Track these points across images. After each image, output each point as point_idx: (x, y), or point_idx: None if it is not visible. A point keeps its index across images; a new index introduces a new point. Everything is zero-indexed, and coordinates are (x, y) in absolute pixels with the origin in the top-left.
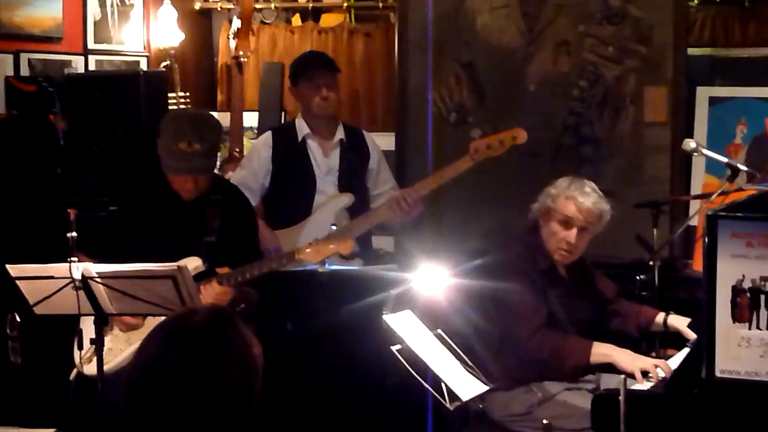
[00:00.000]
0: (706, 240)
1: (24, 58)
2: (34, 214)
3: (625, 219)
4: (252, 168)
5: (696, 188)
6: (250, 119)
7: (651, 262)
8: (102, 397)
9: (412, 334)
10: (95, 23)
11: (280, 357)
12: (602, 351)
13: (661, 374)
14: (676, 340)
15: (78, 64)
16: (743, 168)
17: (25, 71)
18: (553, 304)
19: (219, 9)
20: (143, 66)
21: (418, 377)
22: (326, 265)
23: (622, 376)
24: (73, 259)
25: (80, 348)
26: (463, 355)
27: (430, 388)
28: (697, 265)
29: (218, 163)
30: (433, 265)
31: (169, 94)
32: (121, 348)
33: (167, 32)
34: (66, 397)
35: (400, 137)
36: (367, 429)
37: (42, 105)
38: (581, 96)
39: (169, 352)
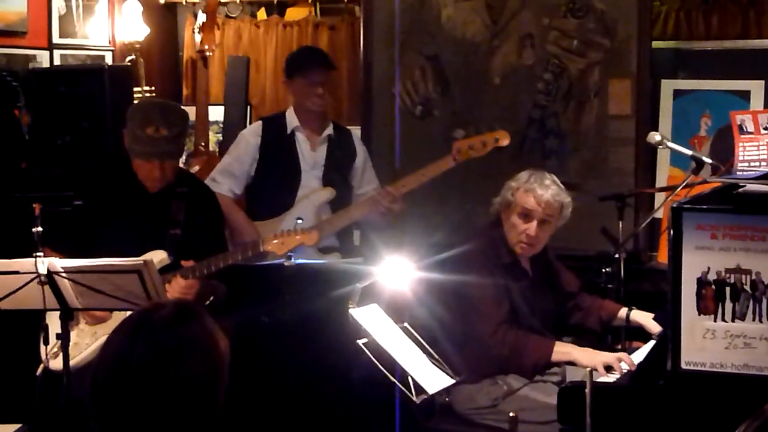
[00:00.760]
0: (671, 232)
1: None
2: None
3: (590, 212)
4: (239, 155)
5: (661, 181)
6: (216, 113)
7: (616, 255)
8: (68, 391)
9: (379, 328)
10: (60, 17)
11: (247, 351)
12: (563, 350)
13: (625, 367)
14: (642, 334)
15: (43, 58)
16: (708, 160)
17: None
18: (516, 298)
19: (184, 3)
20: (108, 60)
21: (384, 370)
22: (292, 259)
23: (588, 368)
24: (38, 253)
25: (46, 343)
26: (429, 348)
27: (396, 382)
28: (662, 257)
29: (184, 157)
30: (399, 259)
31: (135, 89)
32: (87, 342)
33: (132, 26)
34: (32, 393)
35: (365, 130)
36: (334, 422)
37: (6, 99)
38: (546, 89)
39: (134, 347)
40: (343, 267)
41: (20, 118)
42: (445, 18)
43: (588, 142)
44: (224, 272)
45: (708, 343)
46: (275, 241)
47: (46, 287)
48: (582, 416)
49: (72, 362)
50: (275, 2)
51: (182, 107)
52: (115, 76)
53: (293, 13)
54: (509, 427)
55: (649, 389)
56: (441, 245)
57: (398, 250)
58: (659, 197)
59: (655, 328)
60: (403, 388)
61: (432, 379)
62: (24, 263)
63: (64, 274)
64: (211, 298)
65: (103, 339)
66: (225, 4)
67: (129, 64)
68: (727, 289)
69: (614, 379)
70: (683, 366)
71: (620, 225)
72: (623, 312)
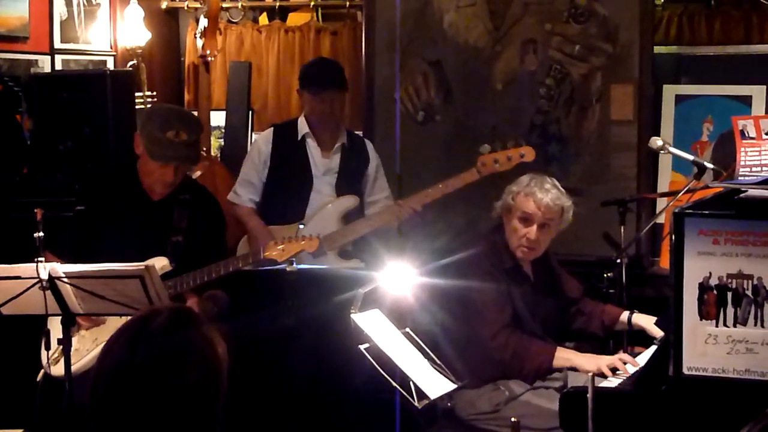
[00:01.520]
0: (673, 238)
1: None
2: (0, 214)
3: (592, 217)
4: (253, 163)
5: (663, 186)
6: (218, 118)
7: (618, 260)
8: (69, 397)
9: (380, 333)
10: (62, 23)
11: (248, 356)
12: (565, 356)
13: (631, 369)
14: (643, 338)
15: (44, 63)
16: (709, 166)
17: None
18: (518, 303)
19: (186, 8)
20: (110, 65)
21: (386, 376)
22: (294, 264)
23: (590, 373)
24: (40, 259)
25: (47, 348)
26: (430, 354)
27: (398, 387)
28: (664, 262)
29: None
30: (401, 264)
31: (136, 94)
32: (87, 348)
33: (134, 32)
34: (33, 398)
35: (367, 136)
36: (336, 427)
37: (8, 104)
38: (548, 94)
39: (133, 354)
40: (345, 272)
41: (22, 123)
42: (447, 23)
43: (590, 148)
44: (226, 278)
45: (710, 349)
46: (277, 249)
47: (48, 292)
48: (584, 422)
49: (73, 368)
50: (277, 7)
51: None
52: (116, 81)
53: (295, 19)
54: None
55: (651, 394)
56: (443, 251)
57: (400, 256)
58: (661, 202)
59: (656, 331)
60: (404, 393)
61: (434, 384)
62: (26, 268)
63: (65, 279)
64: (215, 309)
65: (103, 345)
66: (227, 9)
67: (131, 69)
68: (729, 294)
69: (616, 384)
70: (685, 371)
71: (622, 230)
72: (625, 316)
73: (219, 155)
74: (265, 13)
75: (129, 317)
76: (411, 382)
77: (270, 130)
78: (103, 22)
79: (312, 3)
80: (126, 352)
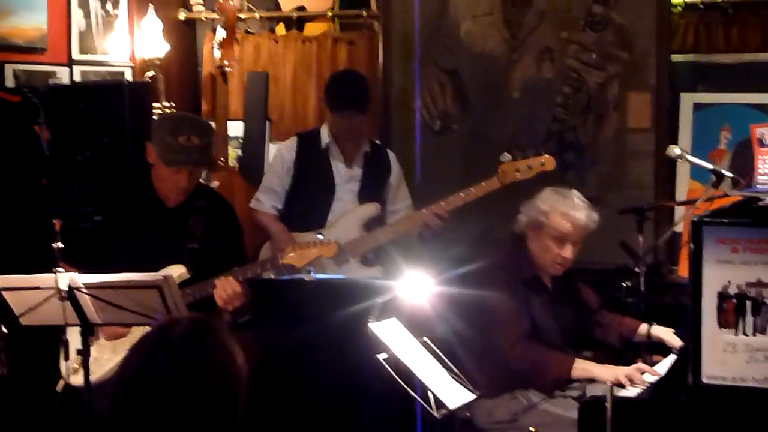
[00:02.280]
0: (692, 246)
1: (8, 68)
2: (19, 224)
3: (610, 225)
4: (276, 171)
5: (681, 194)
6: (235, 129)
7: (636, 269)
8: (88, 407)
9: (398, 342)
10: (80, 34)
11: (267, 365)
12: (583, 367)
13: (649, 379)
14: (662, 347)
15: (63, 74)
16: (728, 174)
17: (9, 82)
18: (537, 314)
19: (203, 19)
20: (128, 76)
21: (404, 385)
22: (312, 274)
23: (609, 382)
24: (58, 269)
25: (66, 359)
26: (449, 363)
27: (416, 396)
28: (683, 271)
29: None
30: (418, 273)
31: (154, 104)
32: (107, 358)
33: (152, 42)
34: (52, 408)
35: (384, 145)
36: None
37: (27, 115)
38: (565, 102)
39: (153, 363)
40: (363, 282)
41: (40, 134)
42: (464, 32)
43: (607, 156)
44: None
45: (729, 357)
46: (293, 254)
47: (67, 302)
48: (602, 431)
49: (92, 378)
50: (294, 18)
51: None
52: (134, 92)
53: (312, 29)
54: None
55: (670, 403)
56: (459, 259)
57: (417, 265)
58: (679, 211)
59: (676, 342)
60: (423, 403)
61: (452, 393)
62: (44, 279)
63: (84, 290)
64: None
65: (123, 354)
66: (244, 19)
67: (149, 80)
68: (748, 302)
69: (635, 393)
70: (704, 380)
71: (640, 239)
72: (644, 328)
73: (236, 165)
74: (282, 24)
75: (148, 327)
76: (429, 392)
77: (293, 139)
78: (121, 33)
79: (329, 13)
80: (146, 361)
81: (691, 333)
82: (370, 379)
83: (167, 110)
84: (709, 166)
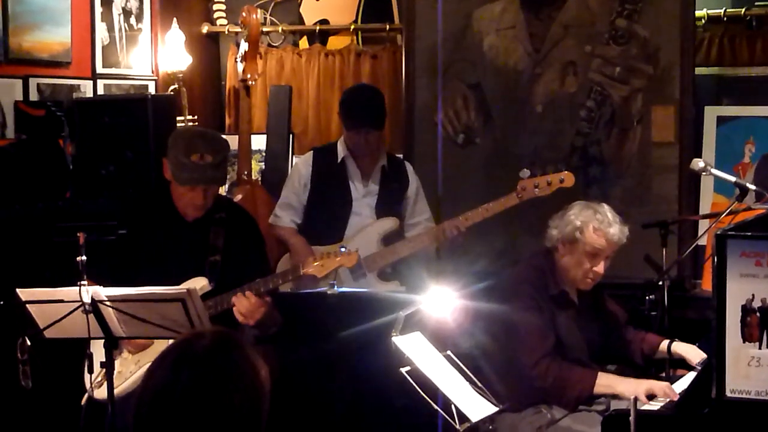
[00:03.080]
0: (715, 260)
1: (33, 82)
2: (43, 238)
3: (634, 239)
4: (294, 186)
5: (704, 208)
6: (258, 142)
7: (660, 282)
8: (112, 420)
9: (422, 356)
10: (103, 48)
11: (290, 379)
12: (606, 382)
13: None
14: (685, 363)
15: (86, 88)
16: (752, 187)
17: (33, 96)
18: (562, 330)
19: (226, 32)
20: (151, 90)
21: (427, 398)
22: (335, 287)
23: (633, 396)
24: (82, 282)
25: (90, 372)
26: (472, 377)
27: (439, 410)
28: (706, 284)
29: (227, 186)
30: (442, 287)
31: (177, 118)
32: (131, 371)
33: (175, 56)
34: (77, 422)
35: (407, 159)
36: None
37: (51, 129)
38: (588, 116)
39: (177, 376)
40: (386, 295)
41: (64, 147)
42: (488, 46)
43: (631, 170)
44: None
45: (753, 371)
46: (315, 264)
47: (91, 316)
48: None
49: (116, 391)
50: (317, 31)
51: (224, 136)
52: (158, 105)
53: (335, 42)
54: None
55: (694, 417)
56: (482, 274)
57: (440, 279)
58: (703, 224)
59: (696, 360)
60: (446, 416)
61: (475, 407)
62: (68, 292)
63: (108, 303)
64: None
65: (146, 367)
66: (267, 33)
67: (172, 93)
68: None
69: (659, 407)
70: (728, 394)
71: (664, 252)
72: (665, 345)
73: (260, 179)
74: (305, 37)
75: (172, 340)
76: (452, 405)
77: (310, 153)
78: (145, 47)
79: (352, 27)
80: (170, 374)
81: (714, 347)
82: (393, 392)
83: (191, 123)
84: (733, 179)
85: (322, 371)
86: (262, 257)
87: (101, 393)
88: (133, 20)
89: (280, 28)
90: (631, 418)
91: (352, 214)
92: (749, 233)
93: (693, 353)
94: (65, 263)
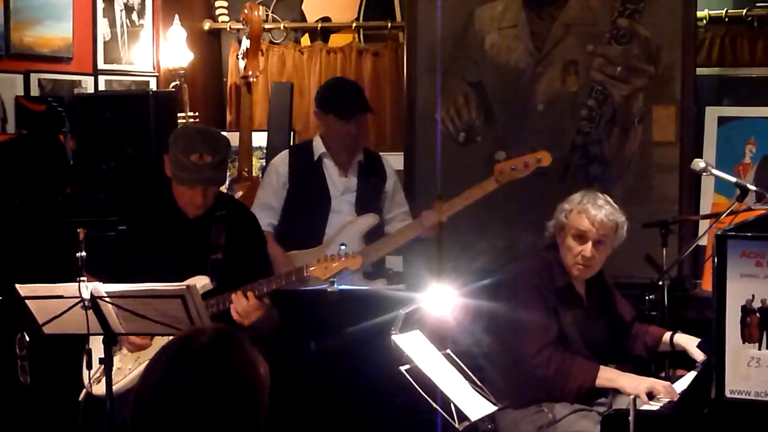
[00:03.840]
0: (716, 260)
1: (34, 77)
2: (43, 233)
3: (634, 238)
4: (272, 186)
5: (705, 208)
6: (259, 139)
7: (660, 282)
8: (111, 416)
9: (421, 354)
10: (105, 43)
11: (289, 376)
12: (607, 375)
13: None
14: (685, 361)
15: (87, 83)
16: (752, 188)
17: (35, 91)
18: (566, 324)
19: (228, 29)
20: (153, 86)
21: (426, 397)
22: (335, 285)
23: (632, 396)
24: (82, 278)
25: (89, 368)
26: (471, 375)
27: (438, 408)
28: (707, 284)
29: (227, 183)
30: (442, 285)
31: (179, 114)
32: (130, 367)
33: (176, 52)
34: (75, 417)
35: (408, 157)
36: None
37: (51, 124)
38: (589, 115)
39: (175, 373)
40: (386, 293)
41: (65, 143)
42: (489, 44)
43: (632, 169)
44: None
45: (752, 372)
46: (319, 266)
47: (90, 312)
48: None
49: (114, 387)
50: (319, 28)
51: (225, 133)
52: (159, 101)
53: (337, 40)
54: None
55: (693, 418)
56: (483, 271)
57: (440, 276)
58: (703, 224)
59: (697, 353)
60: (445, 415)
61: (474, 405)
62: (68, 288)
63: (107, 299)
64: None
65: (145, 364)
66: (269, 30)
67: (173, 89)
68: None
69: (658, 407)
70: (727, 395)
71: (664, 252)
72: (667, 336)
73: (260, 176)
74: (307, 34)
75: (171, 337)
76: (452, 404)
77: (285, 153)
78: (146, 43)
79: (354, 24)
80: (167, 369)
81: (714, 347)
82: (392, 390)
83: (192, 120)
84: (734, 179)
85: (321, 369)
86: (264, 255)
87: (99, 389)
88: (134, 16)
89: (281, 25)
90: (631, 418)
91: (332, 212)
92: (749, 234)
93: (694, 345)
94: (65, 259)
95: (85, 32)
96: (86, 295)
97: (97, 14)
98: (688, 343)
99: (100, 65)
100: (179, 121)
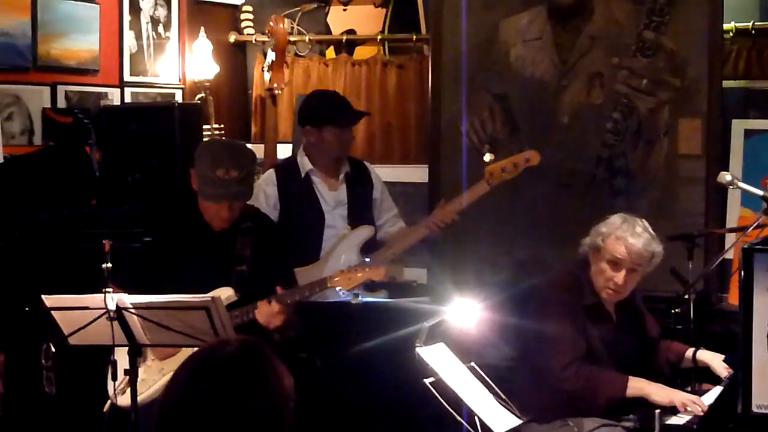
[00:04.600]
0: (742, 274)
1: (61, 89)
2: (68, 244)
3: None
4: (262, 208)
5: (731, 221)
6: (284, 151)
7: (686, 296)
8: (135, 427)
9: (446, 367)
10: (131, 56)
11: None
12: (637, 385)
13: (698, 410)
14: (710, 376)
15: (114, 96)
16: None
17: (61, 103)
18: (594, 341)
19: (253, 42)
20: (178, 98)
21: (451, 410)
22: (359, 297)
23: (657, 410)
24: (107, 289)
25: (114, 379)
26: (496, 389)
27: (463, 422)
28: (733, 298)
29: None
30: (467, 298)
31: (204, 126)
32: (154, 379)
33: (202, 65)
34: (99, 428)
35: (433, 169)
36: None
37: (78, 136)
38: (615, 128)
39: (200, 384)
40: (410, 306)
41: (91, 155)
42: (514, 57)
43: (657, 182)
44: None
45: None
46: (342, 277)
47: (115, 323)
48: None
49: (139, 398)
50: (344, 41)
51: (250, 145)
52: (185, 113)
53: (362, 52)
54: None
55: None
56: (506, 284)
57: (463, 289)
58: (730, 238)
59: (721, 369)
60: (470, 428)
61: (500, 419)
62: (93, 299)
63: (132, 310)
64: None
65: (170, 375)
66: (294, 42)
67: (199, 102)
68: None
69: (685, 421)
70: (754, 409)
71: (690, 265)
72: (690, 352)
73: None
74: (332, 47)
75: (196, 348)
76: (476, 417)
77: (271, 172)
78: (172, 56)
79: (379, 37)
80: (192, 378)
81: (741, 361)
82: (416, 403)
83: (217, 132)
84: (761, 192)
85: (345, 381)
86: (288, 267)
87: (124, 400)
88: (161, 29)
89: (307, 38)
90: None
91: (326, 228)
92: None
93: (717, 361)
94: (90, 270)
95: (111, 45)
96: (111, 306)
97: (123, 27)
98: (711, 359)
99: (126, 77)
100: (204, 133)
